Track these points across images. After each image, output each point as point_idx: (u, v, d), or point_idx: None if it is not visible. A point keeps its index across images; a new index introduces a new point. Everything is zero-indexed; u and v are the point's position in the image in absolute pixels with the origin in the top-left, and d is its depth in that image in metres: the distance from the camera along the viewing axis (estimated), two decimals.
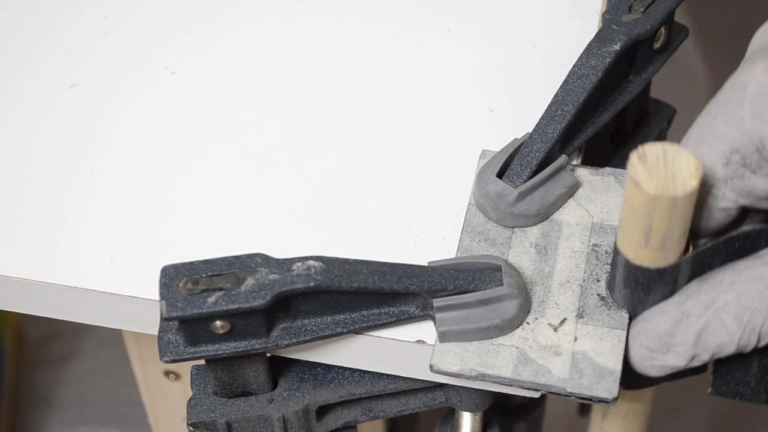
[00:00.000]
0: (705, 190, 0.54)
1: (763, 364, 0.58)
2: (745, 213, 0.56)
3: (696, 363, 0.55)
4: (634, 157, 0.50)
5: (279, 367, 0.59)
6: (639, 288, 0.54)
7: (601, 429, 0.68)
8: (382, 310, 0.56)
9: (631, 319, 0.56)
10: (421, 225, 0.61)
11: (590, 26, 0.70)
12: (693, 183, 0.49)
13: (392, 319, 0.56)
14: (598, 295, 0.57)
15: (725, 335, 0.53)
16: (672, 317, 0.54)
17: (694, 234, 0.54)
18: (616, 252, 0.54)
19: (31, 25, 0.72)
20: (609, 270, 0.57)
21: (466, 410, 0.63)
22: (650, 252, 0.52)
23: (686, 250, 0.53)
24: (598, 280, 0.57)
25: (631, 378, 0.56)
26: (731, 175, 0.53)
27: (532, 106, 0.66)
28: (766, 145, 0.52)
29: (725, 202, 0.54)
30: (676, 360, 0.55)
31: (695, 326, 0.53)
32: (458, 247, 0.59)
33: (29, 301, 0.60)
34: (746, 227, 0.55)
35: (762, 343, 0.54)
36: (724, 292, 0.53)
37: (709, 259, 0.55)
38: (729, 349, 0.54)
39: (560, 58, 0.69)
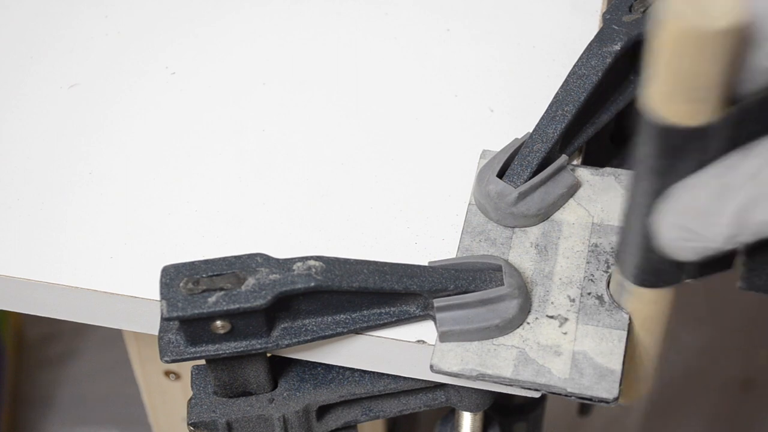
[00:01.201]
0: (747, 44, 0.45)
1: None
2: None
3: (734, 244, 0.48)
4: None
5: (279, 367, 0.59)
6: (668, 153, 0.47)
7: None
8: (383, 310, 0.56)
9: (655, 199, 0.49)
10: (421, 225, 0.61)
11: (590, 26, 0.70)
12: (732, 17, 0.42)
13: (393, 319, 0.56)
14: (599, 295, 0.57)
15: None
16: (710, 189, 0.47)
17: (730, 101, 0.47)
18: (641, 114, 0.47)
19: (31, 25, 0.72)
20: (613, 267, 0.57)
21: (466, 410, 0.63)
22: (684, 104, 0.45)
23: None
24: (599, 280, 0.57)
25: (650, 273, 0.51)
26: None
27: (532, 106, 0.66)
28: None
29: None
30: (715, 239, 0.48)
31: (738, 200, 0.47)
32: (458, 247, 0.59)
33: (29, 301, 0.60)
34: None
35: None
36: None
37: (750, 124, 0.47)
38: None
39: (560, 58, 0.69)
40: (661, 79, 0.44)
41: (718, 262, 0.51)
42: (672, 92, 0.44)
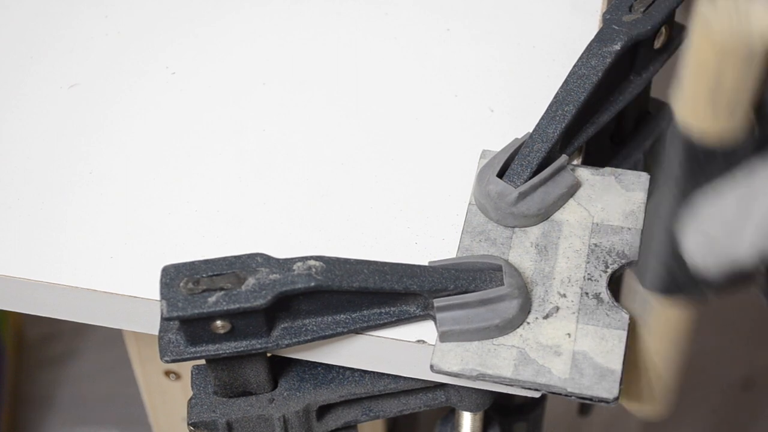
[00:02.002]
0: None
1: None
2: None
3: (755, 258, 0.48)
4: (703, 5, 0.43)
5: (279, 367, 0.59)
6: (697, 164, 0.47)
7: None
8: (383, 310, 0.56)
9: (680, 207, 0.49)
10: (421, 225, 0.61)
11: (590, 26, 0.70)
12: None
13: (393, 319, 0.56)
14: (599, 295, 0.57)
15: None
16: (735, 197, 0.47)
17: (756, 110, 0.47)
18: (671, 123, 0.47)
19: (31, 25, 0.72)
20: (613, 267, 0.57)
21: (466, 410, 0.63)
22: (715, 117, 0.45)
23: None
24: (599, 280, 0.57)
25: (673, 283, 0.51)
26: None
27: (532, 106, 0.66)
28: None
29: None
30: (738, 249, 0.48)
31: (761, 208, 0.47)
32: (459, 247, 0.59)
33: (29, 301, 0.60)
34: None
35: None
36: None
37: None
38: None
39: (560, 58, 0.69)
40: (696, 93, 0.44)
41: (738, 279, 0.51)
42: (707, 106, 0.44)
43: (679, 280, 0.51)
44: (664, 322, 0.56)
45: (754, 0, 0.43)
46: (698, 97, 0.45)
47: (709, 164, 0.47)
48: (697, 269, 0.49)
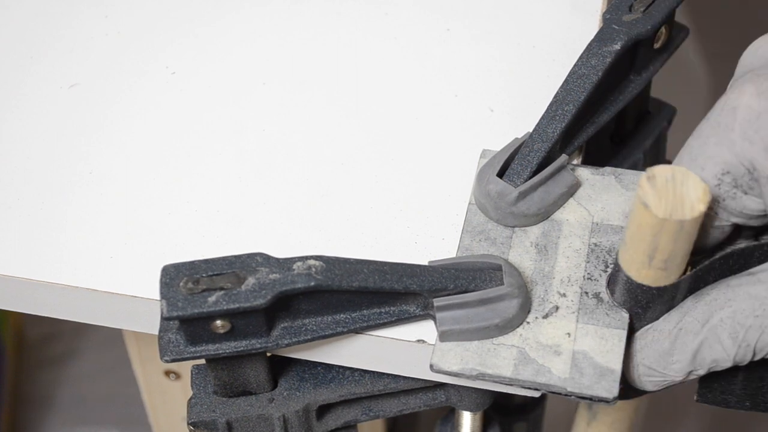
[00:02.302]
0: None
1: (748, 373, 0.59)
2: (738, 228, 0.57)
3: (692, 377, 0.56)
4: (643, 179, 0.50)
5: (279, 367, 0.59)
6: (638, 305, 0.55)
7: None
8: (383, 310, 0.56)
9: (630, 330, 0.56)
10: (421, 225, 0.61)
11: (590, 26, 0.70)
12: (701, 207, 0.50)
13: (393, 319, 0.56)
14: (599, 294, 0.57)
15: (722, 351, 0.54)
16: (670, 336, 0.55)
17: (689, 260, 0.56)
18: (617, 268, 0.55)
19: (31, 25, 0.72)
20: (613, 266, 0.57)
21: (466, 410, 0.63)
22: (653, 271, 0.53)
23: (685, 267, 0.54)
24: (599, 280, 0.57)
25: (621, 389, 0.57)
26: (723, 195, 0.54)
27: (532, 106, 0.66)
28: (757, 167, 0.53)
29: (718, 220, 0.55)
30: (674, 375, 0.56)
31: (693, 343, 0.55)
32: (459, 247, 0.59)
33: (29, 301, 0.60)
34: (740, 244, 0.57)
35: (757, 358, 0.55)
36: (720, 309, 0.54)
37: (705, 276, 0.56)
38: (725, 364, 0.55)
39: (560, 58, 0.69)
40: (638, 251, 0.52)
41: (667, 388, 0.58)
42: (646, 262, 0.52)
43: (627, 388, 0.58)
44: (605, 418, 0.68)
45: (689, 173, 0.51)
46: (637, 255, 0.52)
47: (647, 304, 0.55)
48: (638, 387, 0.57)
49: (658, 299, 0.55)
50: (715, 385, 0.60)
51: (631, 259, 0.53)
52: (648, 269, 0.53)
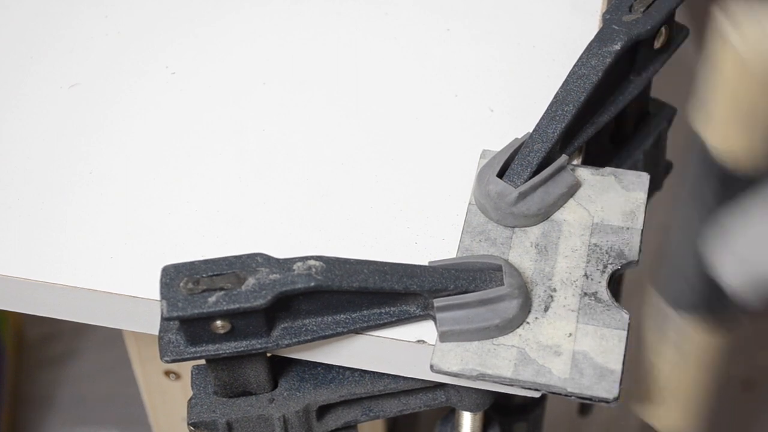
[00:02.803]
0: None
1: None
2: None
3: None
4: (729, 33, 0.44)
5: (279, 367, 0.59)
6: (727, 185, 0.48)
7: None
8: (383, 310, 0.56)
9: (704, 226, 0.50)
10: (421, 225, 0.61)
11: (590, 26, 0.70)
12: None
13: (393, 319, 0.56)
14: (599, 295, 0.57)
15: None
16: (765, 217, 0.48)
17: None
18: (698, 152, 0.48)
19: (31, 25, 0.72)
20: (612, 267, 0.57)
21: (466, 410, 0.63)
22: (746, 140, 0.46)
23: None
24: (599, 280, 0.57)
25: (705, 306, 0.52)
26: None
27: (532, 106, 0.66)
28: None
29: None
30: None
31: None
32: (459, 247, 0.59)
33: (29, 301, 0.60)
34: None
35: None
36: None
37: None
38: None
39: (560, 58, 0.69)
40: (727, 118, 0.45)
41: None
42: (738, 130, 0.45)
43: (714, 303, 0.51)
44: (698, 346, 0.56)
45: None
46: (729, 122, 0.45)
47: (739, 186, 0.47)
48: (733, 292, 0.50)
49: (751, 176, 0.47)
50: None
51: (721, 128, 0.46)
52: (741, 137, 0.46)
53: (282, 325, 0.55)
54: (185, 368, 0.82)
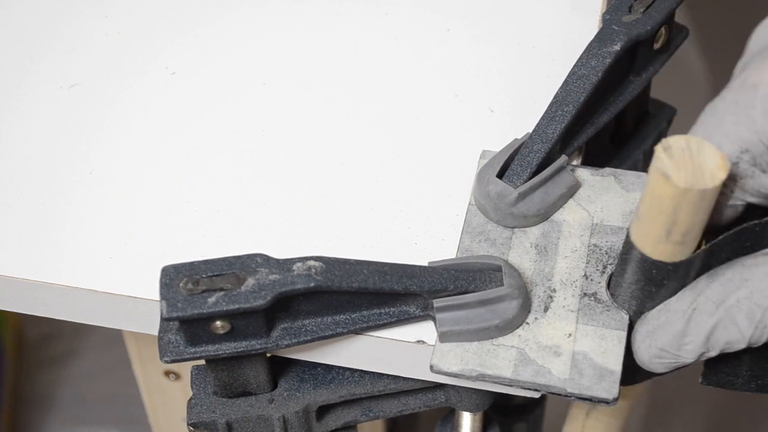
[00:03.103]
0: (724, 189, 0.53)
1: (756, 354, 0.58)
2: (750, 208, 0.56)
3: (703, 359, 0.55)
4: (659, 150, 0.49)
5: (279, 367, 0.59)
6: (651, 283, 0.54)
7: (584, 427, 0.68)
8: (383, 311, 0.56)
9: (634, 316, 0.56)
10: (421, 225, 0.61)
11: (590, 26, 0.70)
12: (721, 175, 0.48)
13: (392, 320, 0.56)
14: (599, 295, 0.57)
15: (737, 333, 0.53)
16: (684, 316, 0.54)
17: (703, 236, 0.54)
18: (629, 246, 0.53)
19: (31, 25, 0.72)
20: (612, 268, 0.57)
21: (466, 410, 0.63)
22: (670, 246, 0.51)
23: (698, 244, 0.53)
24: (599, 281, 0.57)
25: (626, 374, 0.56)
26: (741, 174, 0.53)
27: (532, 106, 0.66)
28: None
29: (734, 199, 0.54)
30: (686, 357, 0.54)
31: (707, 324, 0.53)
32: (458, 248, 0.59)
33: (29, 301, 0.60)
34: (752, 221, 0.55)
35: None
36: (736, 290, 0.53)
37: (719, 252, 0.54)
38: (739, 345, 0.54)
39: (560, 58, 0.69)
40: (655, 225, 0.51)
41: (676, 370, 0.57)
42: (663, 236, 0.51)
43: (633, 372, 0.57)
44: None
45: (704, 142, 0.49)
46: (654, 229, 0.51)
47: (660, 282, 0.53)
48: (648, 369, 0.56)
49: (673, 275, 0.53)
50: (720, 366, 0.58)
51: (647, 234, 0.51)
52: (665, 244, 0.51)
53: (282, 326, 0.55)
54: (185, 368, 0.82)
